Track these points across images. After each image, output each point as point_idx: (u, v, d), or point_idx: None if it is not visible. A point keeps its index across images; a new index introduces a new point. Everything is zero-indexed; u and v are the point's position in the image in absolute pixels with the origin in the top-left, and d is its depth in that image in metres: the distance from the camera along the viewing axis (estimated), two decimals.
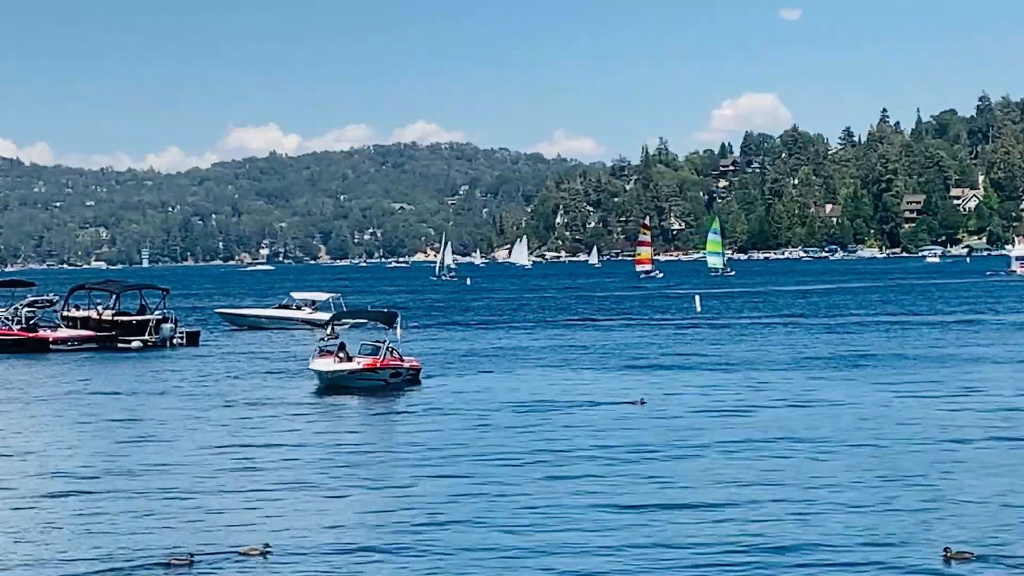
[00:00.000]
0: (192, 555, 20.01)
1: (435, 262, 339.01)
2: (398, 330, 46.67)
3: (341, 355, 44.29)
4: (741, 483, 25.59)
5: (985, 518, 22.00)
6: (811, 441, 30.84)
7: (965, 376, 45.41)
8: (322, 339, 46.81)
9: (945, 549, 19.39)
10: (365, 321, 53.48)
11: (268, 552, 20.09)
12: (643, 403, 38.20)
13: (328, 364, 43.87)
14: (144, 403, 41.44)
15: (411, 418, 37.29)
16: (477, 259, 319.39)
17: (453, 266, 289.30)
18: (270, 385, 46.55)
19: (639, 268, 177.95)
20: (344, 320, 49.99)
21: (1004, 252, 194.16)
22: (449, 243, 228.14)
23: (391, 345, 45.40)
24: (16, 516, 23.60)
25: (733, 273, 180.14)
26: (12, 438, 34.10)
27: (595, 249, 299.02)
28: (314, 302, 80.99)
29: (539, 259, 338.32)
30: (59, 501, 24.94)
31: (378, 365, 44.03)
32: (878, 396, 39.95)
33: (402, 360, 45.64)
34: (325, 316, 78.13)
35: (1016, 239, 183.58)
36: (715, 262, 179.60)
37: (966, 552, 19.28)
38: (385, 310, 54.08)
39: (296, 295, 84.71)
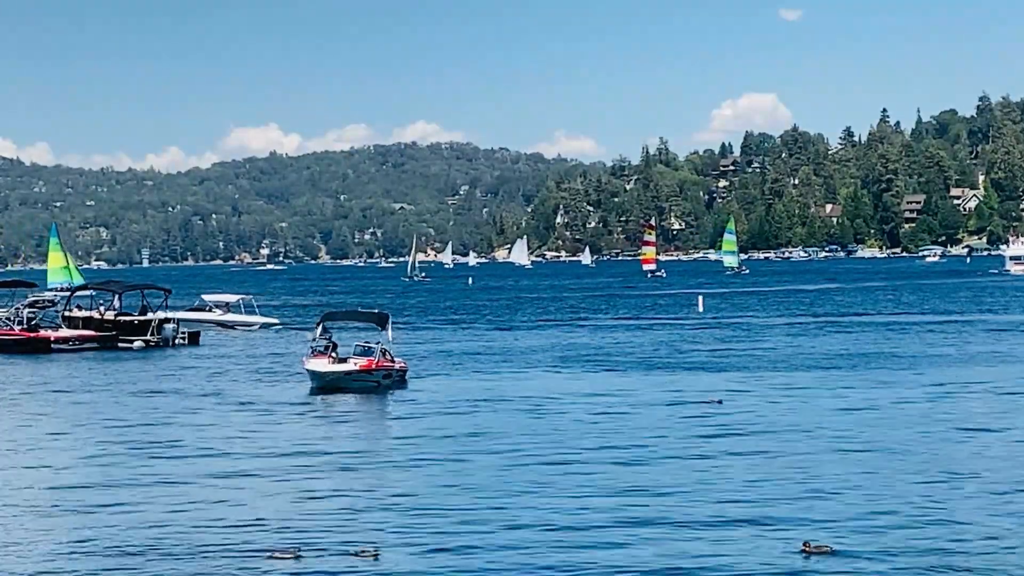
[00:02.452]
0: (299, 548, 20.12)
1: (434, 261, 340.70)
2: (389, 331, 46.93)
3: (333, 355, 44.58)
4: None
5: (847, 512, 22.44)
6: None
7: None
8: (313, 339, 46.90)
9: (804, 543, 19.68)
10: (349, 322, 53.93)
11: (378, 553, 19.97)
12: (721, 403, 38.31)
13: (325, 365, 44.04)
14: (159, 403, 41.53)
15: (431, 419, 37.18)
16: (472, 259, 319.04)
17: (450, 264, 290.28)
18: (273, 385, 46.65)
19: (646, 267, 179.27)
20: (333, 321, 50.02)
21: (1000, 252, 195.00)
22: (448, 244, 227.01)
23: (384, 346, 45.68)
24: (79, 511, 23.81)
25: (747, 271, 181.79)
26: (31, 437, 34.21)
27: (587, 249, 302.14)
28: (226, 304, 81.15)
29: (539, 259, 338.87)
30: (112, 498, 25.10)
31: (373, 366, 44.25)
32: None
33: (394, 361, 45.98)
34: (239, 318, 78.37)
35: (1011, 239, 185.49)
36: (730, 261, 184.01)
37: (824, 546, 19.59)
38: (375, 311, 54.49)
39: (207, 297, 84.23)
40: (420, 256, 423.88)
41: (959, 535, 20.68)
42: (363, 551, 20.04)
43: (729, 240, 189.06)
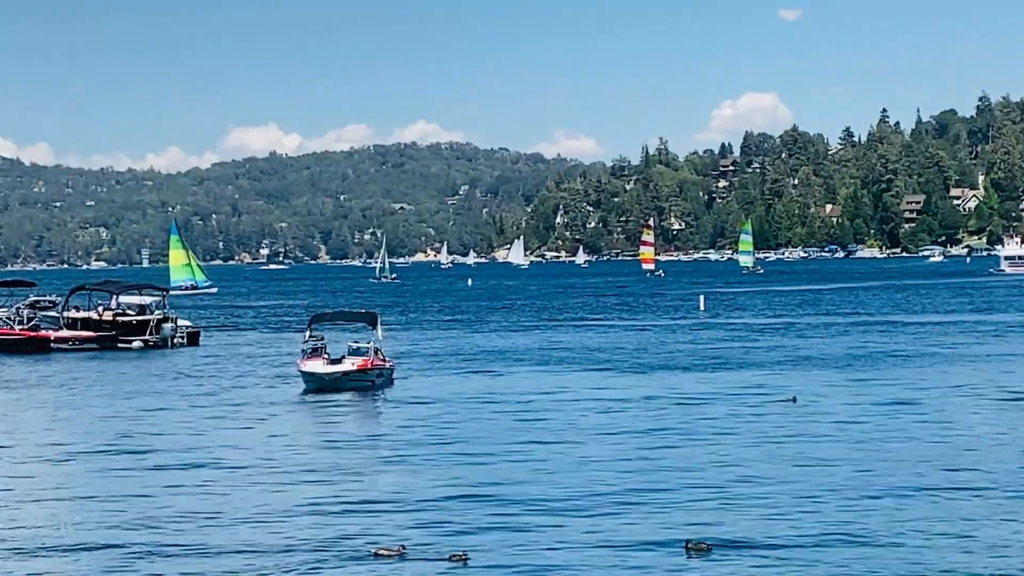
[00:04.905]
0: (403, 546, 20.20)
1: (435, 261, 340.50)
2: (379, 331, 46.91)
3: (326, 356, 44.64)
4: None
5: (734, 510, 22.96)
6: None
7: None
8: (305, 340, 46.78)
9: (687, 542, 20.29)
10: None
11: (468, 557, 19.74)
12: (795, 400, 38.18)
13: (322, 366, 43.97)
14: (166, 403, 41.51)
15: (444, 416, 37.09)
16: (470, 259, 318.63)
17: (448, 264, 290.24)
18: (275, 386, 46.52)
19: (645, 267, 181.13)
20: (322, 322, 49.84)
21: (996, 252, 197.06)
22: (444, 244, 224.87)
23: (376, 346, 45.66)
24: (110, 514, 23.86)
25: (762, 271, 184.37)
26: (34, 437, 34.22)
27: (581, 249, 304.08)
28: (141, 305, 79.43)
29: (539, 259, 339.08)
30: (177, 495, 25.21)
31: (369, 366, 44.24)
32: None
33: (385, 361, 46.04)
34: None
35: (1006, 239, 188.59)
36: (746, 261, 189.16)
37: (703, 544, 20.16)
38: (364, 311, 54.44)
39: (123, 298, 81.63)
40: (420, 256, 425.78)
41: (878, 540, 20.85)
42: (455, 555, 19.80)
43: (745, 240, 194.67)
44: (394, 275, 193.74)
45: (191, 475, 27.71)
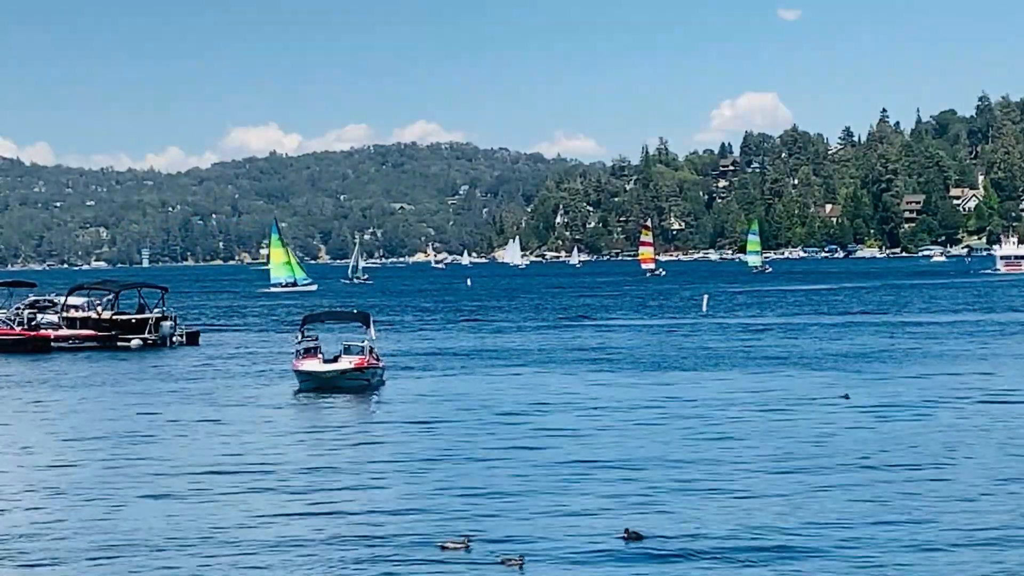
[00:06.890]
0: (469, 538, 20.40)
1: (431, 261, 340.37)
2: (372, 330, 46.96)
3: (321, 355, 44.71)
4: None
5: (680, 503, 23.45)
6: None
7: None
8: (298, 341, 46.76)
9: (626, 530, 20.78)
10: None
11: (523, 562, 19.46)
12: (847, 397, 38.20)
13: (319, 365, 44.02)
14: (173, 402, 41.60)
15: (452, 415, 37.09)
16: (465, 259, 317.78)
17: (443, 265, 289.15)
18: (276, 385, 46.64)
19: (644, 267, 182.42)
20: (315, 322, 49.80)
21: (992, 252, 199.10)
22: (430, 244, 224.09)
23: (370, 345, 45.74)
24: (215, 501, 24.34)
25: (771, 271, 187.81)
26: (39, 437, 34.31)
27: (576, 249, 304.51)
28: (77, 305, 78.51)
29: (539, 259, 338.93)
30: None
31: (365, 365, 44.32)
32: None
33: (378, 360, 46.15)
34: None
35: (1003, 238, 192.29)
36: (754, 261, 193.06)
37: (640, 533, 20.64)
38: (356, 311, 54.48)
39: (56, 299, 79.70)
40: (420, 256, 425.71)
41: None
42: (508, 559, 19.57)
43: (753, 240, 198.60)
44: (366, 276, 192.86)
45: (208, 477, 27.63)
